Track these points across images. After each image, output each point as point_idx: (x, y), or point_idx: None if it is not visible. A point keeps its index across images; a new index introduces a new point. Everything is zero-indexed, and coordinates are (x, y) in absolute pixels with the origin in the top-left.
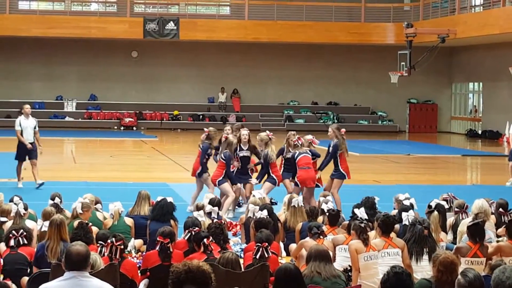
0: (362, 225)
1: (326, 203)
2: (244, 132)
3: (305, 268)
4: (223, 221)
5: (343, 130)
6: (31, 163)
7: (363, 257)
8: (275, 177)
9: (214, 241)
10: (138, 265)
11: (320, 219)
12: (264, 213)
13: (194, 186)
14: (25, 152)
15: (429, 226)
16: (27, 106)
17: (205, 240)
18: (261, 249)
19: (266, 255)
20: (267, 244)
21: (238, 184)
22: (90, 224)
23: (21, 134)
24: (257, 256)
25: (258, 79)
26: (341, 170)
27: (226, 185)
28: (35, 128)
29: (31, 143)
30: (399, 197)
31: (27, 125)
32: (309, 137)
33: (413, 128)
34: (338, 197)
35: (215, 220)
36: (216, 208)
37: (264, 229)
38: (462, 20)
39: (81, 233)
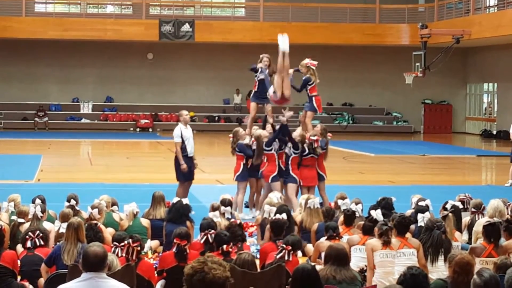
0: (384, 228)
1: (344, 205)
2: (265, 58)
3: (321, 269)
4: (238, 221)
5: (330, 134)
6: (187, 184)
7: (379, 254)
8: (295, 176)
9: (232, 242)
10: (154, 266)
11: (341, 219)
12: (283, 215)
13: (210, 187)
14: (188, 171)
15: (445, 230)
16: (186, 112)
17: (225, 246)
18: (283, 251)
19: (287, 258)
20: (290, 247)
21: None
22: (99, 224)
23: (183, 147)
24: (278, 256)
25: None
26: (319, 171)
27: (277, 185)
28: None
29: (191, 157)
30: (412, 199)
31: (188, 135)
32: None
33: (428, 129)
34: (327, 197)
35: (231, 220)
36: (228, 208)
37: (295, 234)
38: (477, 20)
39: (91, 233)
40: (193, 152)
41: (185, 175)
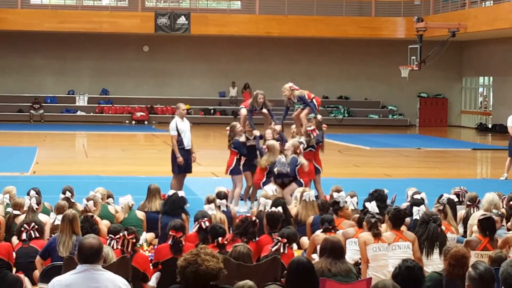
0: (373, 220)
1: (340, 197)
2: (260, 95)
3: (317, 262)
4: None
5: (325, 126)
6: (181, 177)
7: (372, 248)
8: (302, 182)
9: (238, 237)
10: (150, 259)
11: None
12: (279, 208)
13: (206, 180)
14: (184, 164)
15: (441, 223)
16: (183, 105)
17: (219, 239)
18: (279, 244)
19: (282, 251)
20: (286, 240)
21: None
22: (95, 216)
23: (179, 140)
24: (273, 249)
25: (269, 74)
26: (315, 163)
27: (271, 184)
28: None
29: (188, 150)
30: (408, 192)
31: (185, 128)
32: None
33: (423, 122)
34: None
35: (247, 215)
36: (224, 201)
37: (289, 226)
38: (473, 14)
39: (87, 225)
40: (190, 145)
41: (181, 168)
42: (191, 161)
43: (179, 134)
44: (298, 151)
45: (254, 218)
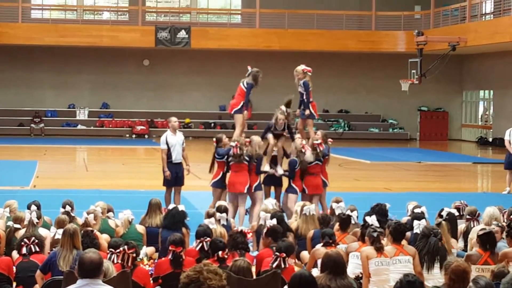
0: (375, 234)
1: (339, 208)
2: (261, 75)
3: (317, 277)
4: (239, 229)
5: (330, 140)
6: (175, 190)
7: (374, 262)
8: (296, 187)
9: (233, 250)
10: (150, 273)
11: (336, 227)
12: (274, 221)
13: (206, 194)
14: (173, 177)
15: (442, 237)
16: (175, 118)
17: (220, 252)
18: (278, 259)
19: (283, 266)
20: (285, 254)
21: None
22: (95, 231)
23: (168, 154)
24: (274, 265)
25: (269, 87)
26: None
27: (261, 193)
28: (182, 144)
29: (178, 163)
30: (408, 206)
31: (175, 141)
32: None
33: (423, 136)
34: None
35: (236, 228)
36: (224, 215)
37: (286, 238)
38: (473, 28)
39: (87, 240)
40: (179, 159)
41: (170, 181)
42: (182, 174)
43: (169, 148)
44: (303, 149)
45: (240, 228)
